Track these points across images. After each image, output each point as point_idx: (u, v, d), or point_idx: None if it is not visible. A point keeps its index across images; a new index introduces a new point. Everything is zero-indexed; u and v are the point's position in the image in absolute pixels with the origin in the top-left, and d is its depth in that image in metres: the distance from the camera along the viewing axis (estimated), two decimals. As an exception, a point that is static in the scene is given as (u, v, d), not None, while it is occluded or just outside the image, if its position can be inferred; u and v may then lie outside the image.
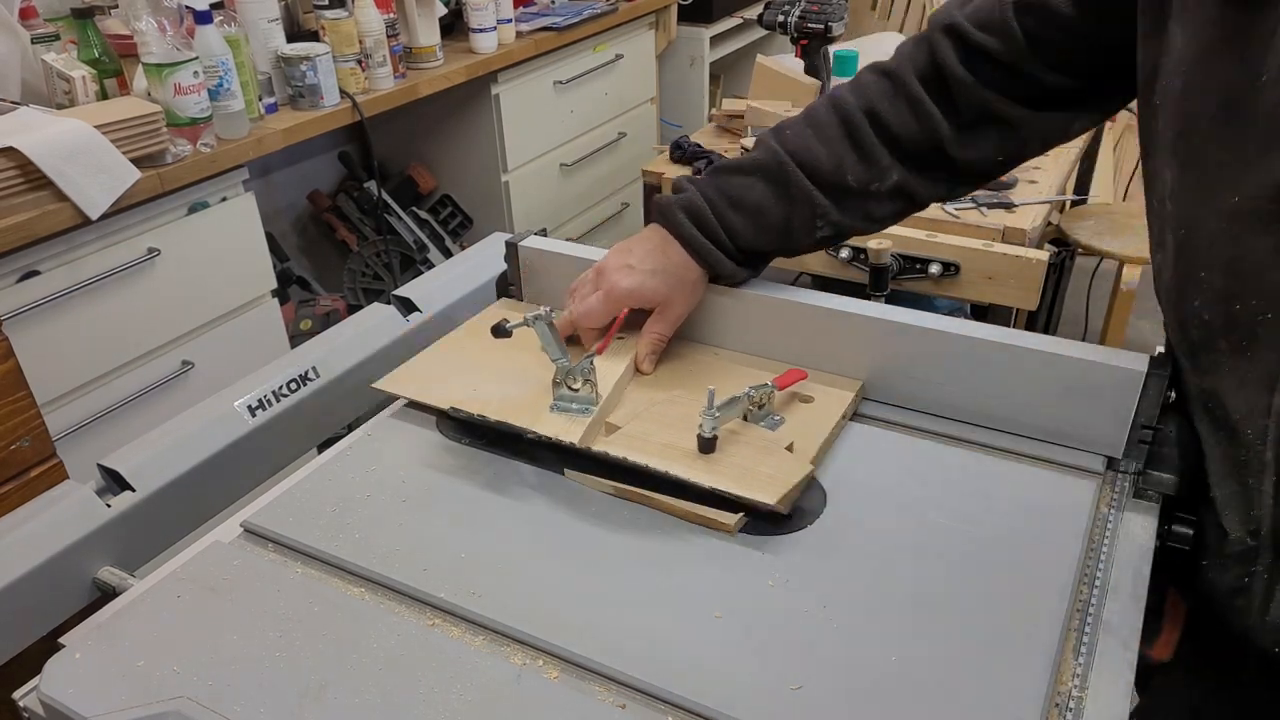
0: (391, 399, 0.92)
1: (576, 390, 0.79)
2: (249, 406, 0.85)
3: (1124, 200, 3.22)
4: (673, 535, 0.71)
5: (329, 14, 1.94)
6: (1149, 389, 0.75)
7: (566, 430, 0.77)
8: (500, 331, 0.80)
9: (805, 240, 0.86)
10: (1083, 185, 2.45)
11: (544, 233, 1.02)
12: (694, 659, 0.61)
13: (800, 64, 2.02)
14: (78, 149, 1.46)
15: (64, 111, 1.58)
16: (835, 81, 1.89)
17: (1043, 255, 1.41)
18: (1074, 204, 2.39)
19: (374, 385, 0.86)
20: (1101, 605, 0.64)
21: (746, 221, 0.84)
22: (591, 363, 0.79)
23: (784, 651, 0.61)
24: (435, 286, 1.03)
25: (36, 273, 1.48)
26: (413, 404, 0.88)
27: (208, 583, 0.69)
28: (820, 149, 0.83)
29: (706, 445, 0.73)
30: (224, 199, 1.74)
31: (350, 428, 0.88)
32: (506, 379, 0.85)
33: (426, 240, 2.41)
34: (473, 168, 2.45)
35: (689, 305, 0.87)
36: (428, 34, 2.15)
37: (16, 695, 0.63)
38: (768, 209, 0.84)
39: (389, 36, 2.03)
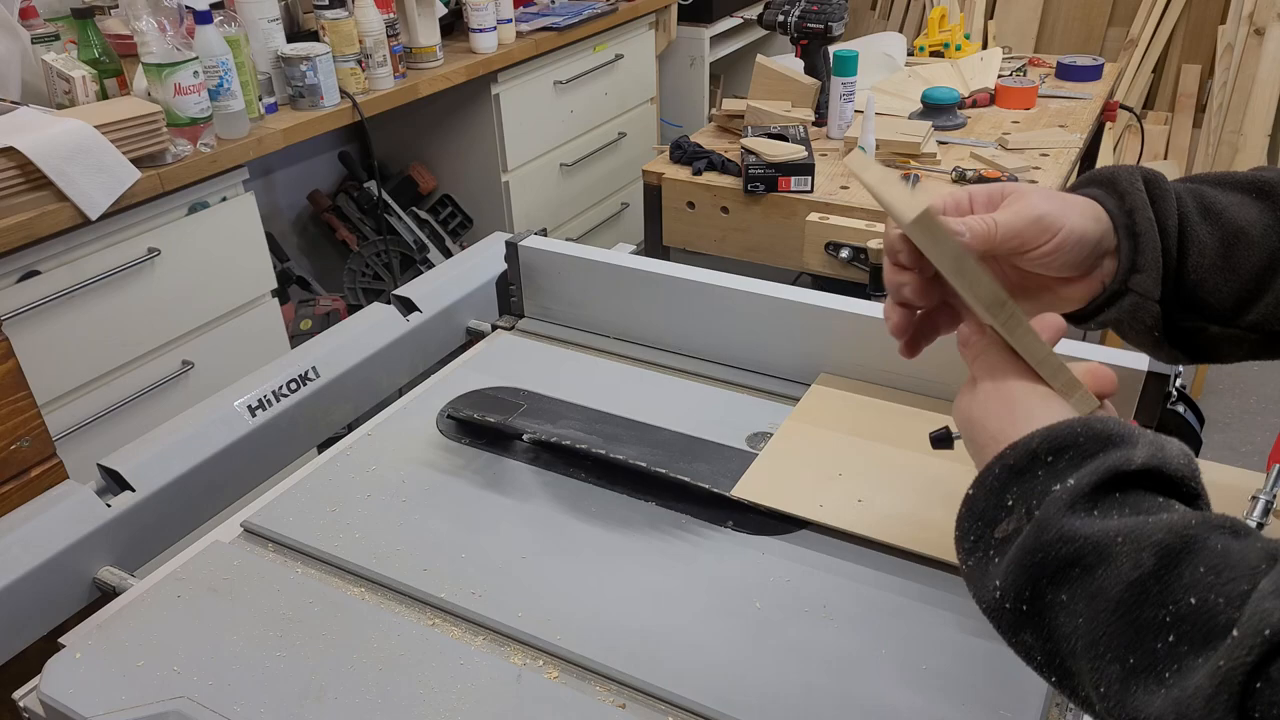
0: (391, 399, 0.92)
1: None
2: (249, 406, 0.85)
3: (1124, 200, 3.21)
4: (673, 536, 0.72)
5: (329, 14, 1.94)
6: (1149, 389, 0.75)
7: None
8: (944, 442, 0.61)
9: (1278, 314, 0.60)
10: (1082, 185, 2.44)
11: (544, 233, 1.02)
12: (694, 659, 0.61)
13: (800, 64, 2.02)
14: (78, 149, 1.46)
15: (64, 111, 1.57)
16: (835, 82, 1.89)
17: (1042, 255, 1.41)
18: (1074, 204, 2.38)
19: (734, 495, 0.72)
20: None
21: (1215, 241, 0.60)
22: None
23: (784, 651, 0.61)
24: (435, 286, 1.03)
25: (37, 273, 1.48)
26: (411, 405, 0.88)
27: (208, 583, 0.69)
28: None
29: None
30: (224, 199, 1.74)
31: (350, 428, 0.88)
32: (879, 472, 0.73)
33: (426, 240, 2.41)
34: (473, 168, 2.45)
35: (1056, 236, 0.58)
36: (428, 34, 2.15)
37: (17, 695, 0.63)
38: (1253, 236, 0.60)
39: (389, 36, 2.02)
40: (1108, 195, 0.61)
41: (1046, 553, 0.44)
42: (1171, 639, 0.40)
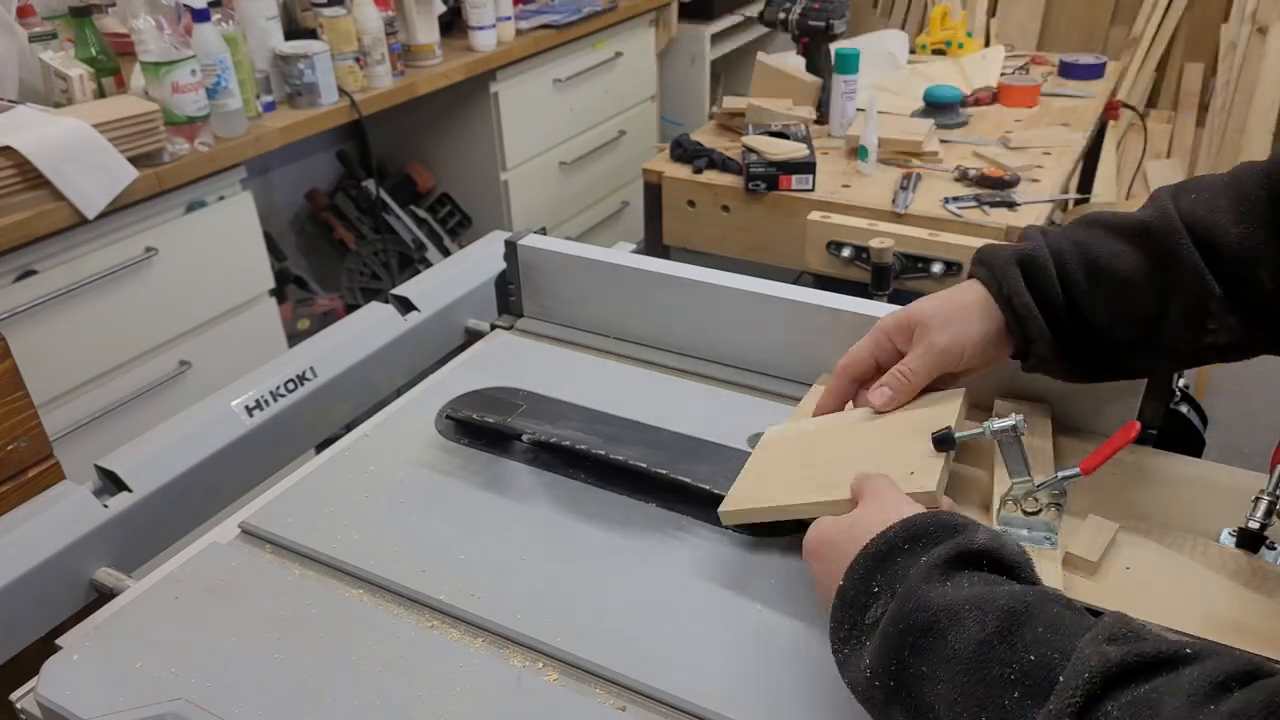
0: (389, 399, 0.92)
1: (1034, 514, 0.64)
2: (246, 407, 0.84)
3: (1126, 199, 3.21)
4: (673, 537, 0.71)
5: (327, 12, 1.94)
6: (1153, 389, 0.74)
7: (1038, 570, 0.59)
8: (946, 442, 0.65)
9: (1182, 342, 0.66)
10: (1085, 184, 2.44)
11: (543, 232, 1.02)
12: (694, 660, 0.60)
13: (802, 62, 2.01)
14: (75, 148, 1.46)
15: (61, 110, 1.57)
16: (837, 80, 1.88)
17: (1044, 254, 1.40)
18: (1077, 203, 2.38)
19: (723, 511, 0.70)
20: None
21: (1102, 295, 0.66)
22: (1068, 482, 0.64)
23: (784, 653, 0.61)
24: (433, 285, 1.03)
25: (34, 272, 1.47)
26: (411, 406, 0.88)
27: (205, 584, 0.68)
28: (1230, 225, 0.63)
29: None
30: (221, 198, 1.73)
31: (348, 428, 0.88)
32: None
33: (425, 239, 2.40)
34: (471, 166, 2.45)
35: (952, 340, 0.68)
36: (426, 32, 2.15)
37: (14, 697, 0.63)
38: (1138, 285, 0.65)
39: (387, 34, 2.02)
40: (990, 279, 0.69)
41: (907, 621, 0.49)
42: (1017, 695, 0.44)
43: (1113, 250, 0.66)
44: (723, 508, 0.69)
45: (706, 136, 1.94)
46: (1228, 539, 0.66)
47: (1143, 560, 0.64)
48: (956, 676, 0.46)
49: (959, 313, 0.68)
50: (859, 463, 0.65)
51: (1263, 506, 0.63)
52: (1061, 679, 0.42)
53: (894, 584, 0.51)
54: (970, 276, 0.71)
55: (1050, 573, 0.62)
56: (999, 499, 0.66)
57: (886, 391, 0.70)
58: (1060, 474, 0.64)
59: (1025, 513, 0.65)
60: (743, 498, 0.69)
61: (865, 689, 0.51)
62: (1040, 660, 0.44)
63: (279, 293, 1.96)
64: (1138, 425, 0.64)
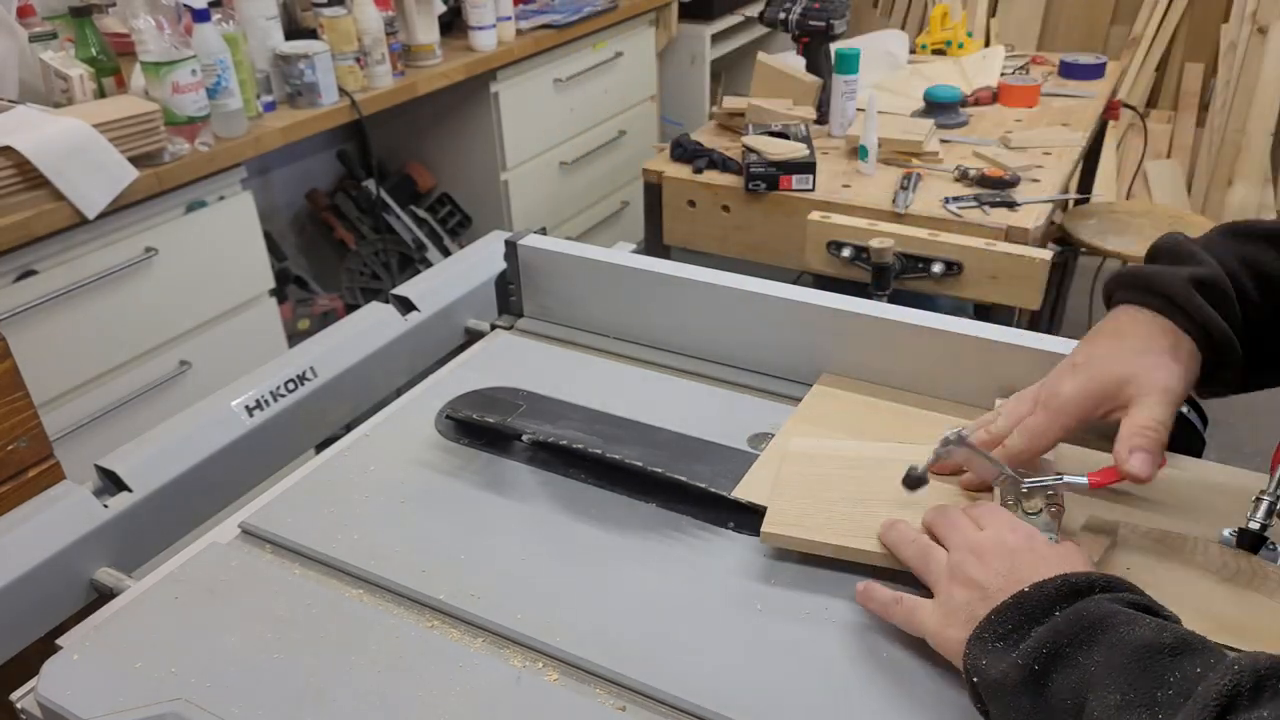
0: (389, 399, 0.92)
1: (1034, 514, 0.65)
2: (247, 407, 0.84)
3: (1127, 199, 3.21)
4: (672, 537, 0.71)
5: (327, 11, 1.94)
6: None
7: None
8: (917, 482, 0.67)
9: None
10: (1086, 184, 2.44)
11: (543, 231, 1.02)
12: (694, 661, 0.60)
13: (802, 62, 2.01)
14: (75, 148, 1.46)
15: (61, 110, 1.57)
16: (837, 80, 1.88)
17: (1046, 254, 1.41)
18: (1077, 203, 2.38)
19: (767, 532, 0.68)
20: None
21: (1275, 309, 0.64)
22: (1057, 480, 0.64)
23: (785, 653, 0.61)
24: (434, 285, 1.03)
25: (34, 272, 1.47)
26: (411, 406, 0.87)
27: (205, 584, 0.68)
28: None
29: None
30: (222, 198, 1.73)
31: (348, 428, 0.88)
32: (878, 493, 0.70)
33: (425, 239, 2.40)
34: (472, 166, 2.45)
35: (1171, 379, 0.62)
36: (426, 31, 2.15)
37: (14, 697, 0.63)
38: None
39: (388, 34, 2.02)
40: (1172, 310, 0.63)
41: (1084, 621, 0.50)
42: (1171, 692, 0.45)
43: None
44: (766, 528, 0.68)
45: (706, 136, 1.94)
46: (1228, 539, 0.66)
47: (1143, 560, 0.64)
48: (1116, 659, 0.47)
49: (1161, 360, 0.63)
50: (914, 513, 0.66)
51: (1263, 507, 0.63)
52: (1200, 688, 0.44)
53: (1084, 612, 0.51)
54: (1128, 302, 0.66)
55: None
56: (998, 497, 0.67)
57: (1144, 455, 0.61)
58: (1065, 478, 0.64)
59: (1025, 513, 0.65)
60: (788, 522, 0.68)
61: (1000, 674, 0.51)
62: (1199, 678, 0.45)
63: (279, 293, 1.96)
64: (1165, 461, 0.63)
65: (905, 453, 0.71)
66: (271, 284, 1.87)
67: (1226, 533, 0.66)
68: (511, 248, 0.99)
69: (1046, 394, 0.65)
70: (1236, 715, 0.43)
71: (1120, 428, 0.62)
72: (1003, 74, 2.19)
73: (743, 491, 0.72)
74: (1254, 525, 0.63)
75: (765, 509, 0.69)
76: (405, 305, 1.00)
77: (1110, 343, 0.64)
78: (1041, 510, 0.65)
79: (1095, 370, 0.64)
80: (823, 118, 1.96)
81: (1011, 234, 1.53)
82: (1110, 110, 2.23)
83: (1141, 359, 0.62)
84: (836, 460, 0.73)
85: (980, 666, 0.53)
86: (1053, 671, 0.49)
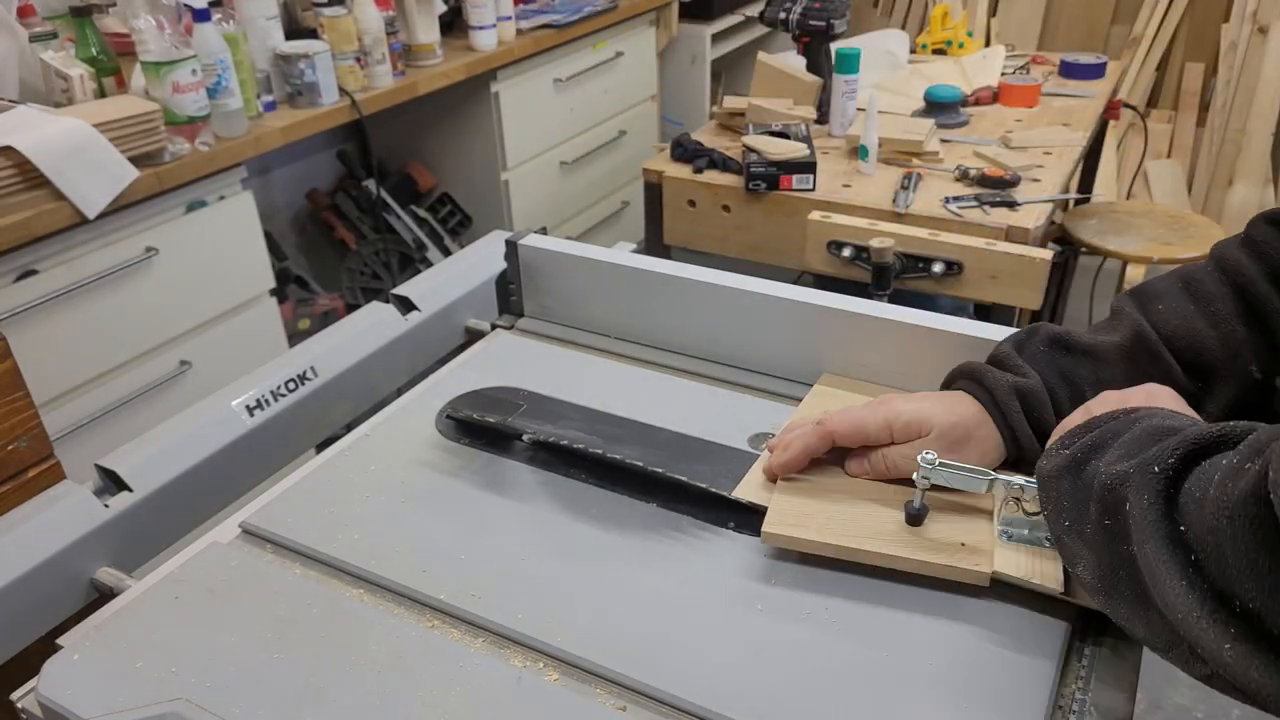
0: (389, 398, 0.92)
1: (1036, 515, 0.64)
2: (247, 406, 0.84)
3: (1127, 199, 3.21)
4: (672, 537, 0.71)
5: (328, 11, 1.94)
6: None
7: (1039, 571, 0.63)
8: (918, 515, 0.67)
9: None
10: (1086, 184, 2.44)
11: (544, 231, 1.02)
12: (694, 661, 0.60)
13: (802, 62, 2.01)
14: (75, 148, 1.46)
15: (62, 110, 1.57)
16: (837, 79, 1.88)
17: (1046, 254, 1.41)
18: (1077, 203, 2.38)
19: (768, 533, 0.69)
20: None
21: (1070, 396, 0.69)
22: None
23: (785, 653, 0.61)
24: (434, 285, 1.03)
25: (34, 272, 1.47)
26: (411, 406, 0.87)
27: (206, 584, 0.68)
28: (1207, 330, 0.67)
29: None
30: (222, 198, 1.73)
31: (349, 428, 0.88)
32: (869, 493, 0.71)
33: (425, 239, 2.40)
34: (472, 166, 2.45)
35: (965, 447, 0.69)
36: (427, 31, 2.15)
37: (14, 696, 0.63)
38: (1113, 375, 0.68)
39: (388, 34, 2.02)
40: (992, 407, 0.70)
41: (1131, 415, 0.57)
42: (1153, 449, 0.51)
43: (1100, 379, 0.69)
44: (767, 528, 0.68)
45: (707, 136, 1.94)
46: None
47: None
48: (1134, 434, 0.54)
49: (966, 438, 0.69)
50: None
51: None
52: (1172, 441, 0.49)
53: (1132, 411, 0.58)
54: (958, 387, 0.72)
55: (1051, 573, 0.62)
56: (999, 501, 0.67)
57: (866, 465, 0.71)
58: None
59: (1027, 513, 0.65)
60: (789, 523, 0.68)
61: (1053, 467, 0.58)
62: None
63: (279, 293, 1.96)
64: None
65: None
66: (272, 284, 1.87)
67: None
68: (512, 247, 0.99)
69: (880, 403, 0.71)
70: (1208, 458, 0.48)
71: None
72: (1003, 74, 2.19)
73: (743, 491, 0.72)
74: None
75: (765, 509, 0.69)
76: (405, 305, 1.00)
77: (947, 414, 0.70)
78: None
79: (933, 410, 0.70)
80: (823, 117, 1.96)
81: (1012, 234, 1.53)
82: (1110, 110, 2.23)
83: (956, 442, 0.69)
84: (830, 462, 0.74)
85: (1041, 468, 0.60)
86: (1092, 458, 0.55)
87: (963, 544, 0.65)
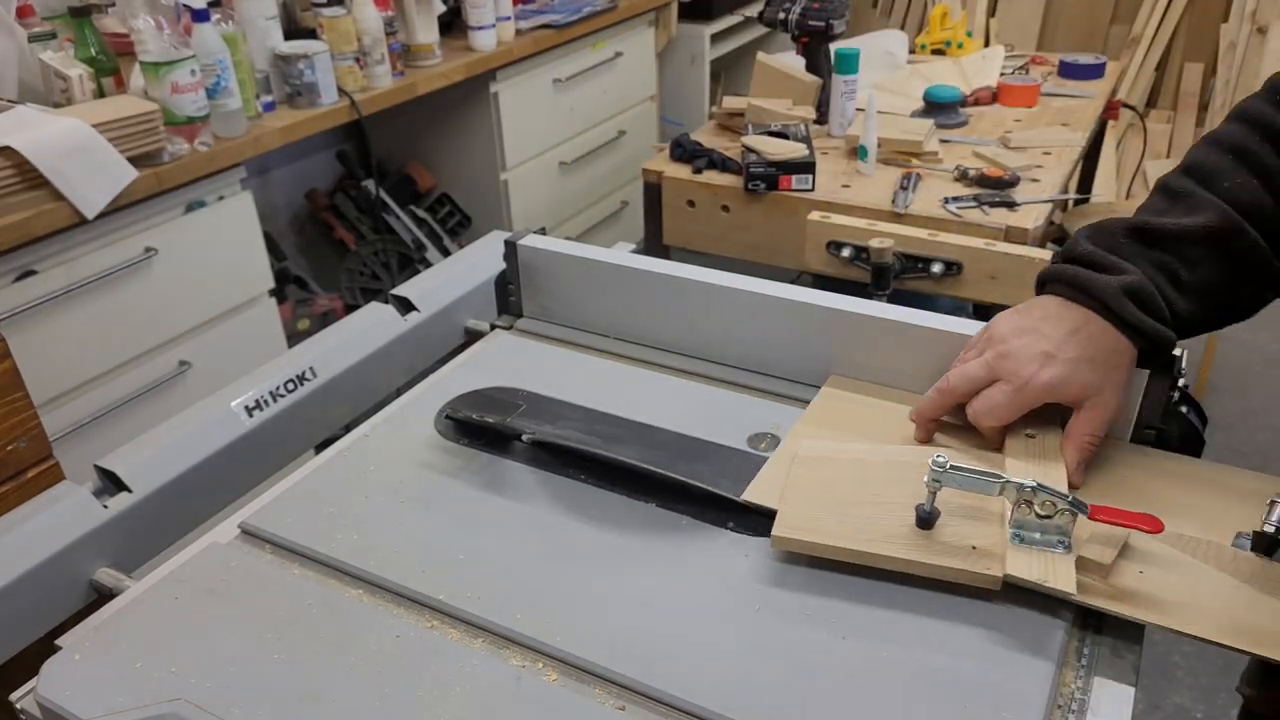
0: (389, 399, 0.92)
1: (1047, 518, 0.64)
2: (246, 407, 0.84)
3: (1126, 199, 3.21)
4: (672, 537, 0.71)
5: (327, 11, 1.94)
6: (1152, 389, 0.74)
7: (1051, 574, 0.62)
8: (928, 519, 0.66)
9: (1242, 314, 0.74)
10: (1085, 184, 2.44)
11: (543, 231, 1.02)
12: (694, 661, 0.60)
13: (801, 62, 2.01)
14: (75, 148, 1.46)
15: (61, 110, 1.57)
16: (837, 79, 1.88)
17: (1045, 254, 1.41)
18: (1076, 203, 2.38)
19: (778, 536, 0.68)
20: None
21: (1193, 305, 0.71)
22: (1063, 498, 0.64)
23: (784, 653, 0.61)
24: (433, 286, 1.03)
25: (33, 272, 1.47)
26: (411, 405, 0.87)
27: (205, 584, 0.68)
28: (1271, 199, 0.70)
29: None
30: (221, 198, 1.73)
31: (348, 428, 0.88)
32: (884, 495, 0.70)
33: (424, 239, 2.40)
34: (471, 166, 2.45)
35: (1122, 400, 0.71)
36: (426, 31, 2.15)
37: (14, 697, 0.63)
38: (1217, 287, 0.71)
39: (387, 34, 2.02)
40: (1109, 314, 0.70)
41: None
42: None
43: (1194, 261, 0.70)
44: (777, 532, 0.67)
45: (706, 136, 1.94)
46: (1242, 543, 0.65)
47: (1156, 564, 0.64)
48: None
49: (1121, 378, 0.71)
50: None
51: (1279, 510, 0.63)
52: None
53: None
54: (1054, 294, 0.73)
55: (1064, 576, 0.62)
56: (1008, 504, 0.66)
57: (1083, 465, 0.71)
58: (1070, 498, 0.64)
59: (1039, 516, 0.64)
60: (799, 527, 0.67)
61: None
62: None
63: (279, 293, 1.96)
64: (1162, 526, 0.64)
65: (918, 454, 0.71)
66: (271, 284, 1.87)
67: (1238, 536, 0.66)
68: (511, 248, 0.99)
69: (1020, 377, 0.70)
70: None
71: (1070, 428, 0.70)
72: (1002, 74, 2.19)
73: (753, 495, 0.72)
74: (1269, 528, 0.63)
75: (774, 511, 0.69)
76: (405, 305, 1.00)
77: (1084, 344, 0.69)
78: (1055, 514, 0.64)
79: (1071, 373, 0.69)
80: (822, 118, 1.96)
81: (1011, 234, 1.53)
82: (1110, 110, 2.23)
83: (1110, 375, 0.69)
84: (848, 463, 0.73)
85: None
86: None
87: (974, 547, 0.65)
